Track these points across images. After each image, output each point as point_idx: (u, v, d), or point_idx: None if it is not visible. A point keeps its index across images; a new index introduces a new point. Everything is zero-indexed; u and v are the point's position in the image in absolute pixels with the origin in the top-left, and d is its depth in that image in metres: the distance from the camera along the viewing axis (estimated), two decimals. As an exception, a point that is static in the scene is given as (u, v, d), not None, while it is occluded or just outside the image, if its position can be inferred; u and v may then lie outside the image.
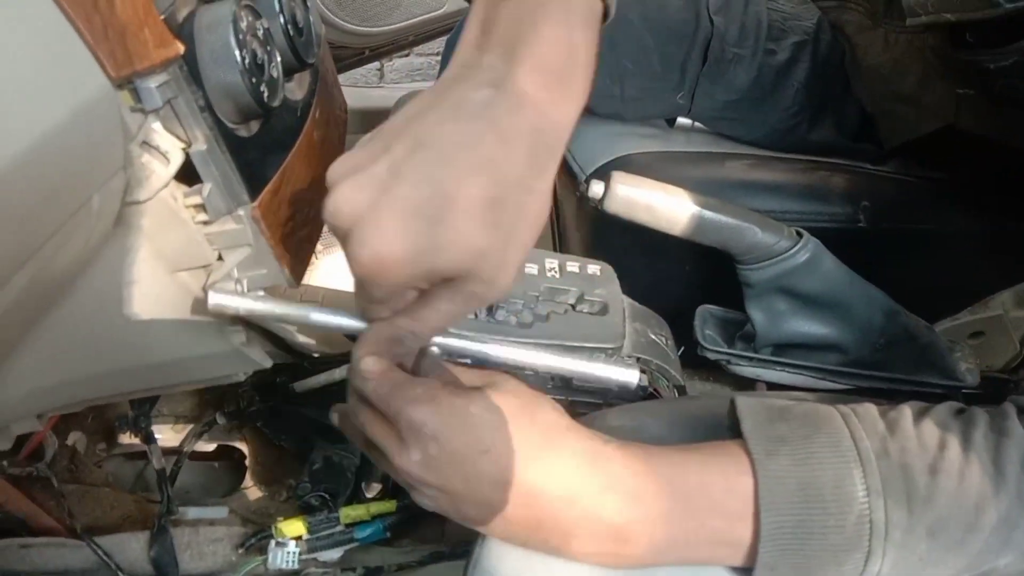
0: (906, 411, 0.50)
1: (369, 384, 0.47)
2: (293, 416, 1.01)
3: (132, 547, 0.89)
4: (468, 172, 0.41)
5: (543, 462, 0.46)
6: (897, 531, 0.45)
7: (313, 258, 1.67)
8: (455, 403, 0.46)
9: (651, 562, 0.48)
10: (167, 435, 1.06)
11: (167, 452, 0.97)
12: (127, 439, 1.04)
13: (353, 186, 0.42)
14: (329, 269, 1.56)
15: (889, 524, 0.45)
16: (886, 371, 0.79)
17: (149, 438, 0.94)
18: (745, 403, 0.51)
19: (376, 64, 2.09)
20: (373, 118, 1.59)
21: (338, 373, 0.95)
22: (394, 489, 0.92)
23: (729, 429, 0.51)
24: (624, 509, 0.47)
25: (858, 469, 0.46)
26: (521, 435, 0.46)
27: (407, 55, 2.11)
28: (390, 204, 0.41)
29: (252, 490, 1.05)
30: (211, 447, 1.11)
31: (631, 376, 0.53)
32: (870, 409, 0.50)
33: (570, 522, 0.47)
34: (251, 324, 0.98)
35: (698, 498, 0.47)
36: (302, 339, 1.01)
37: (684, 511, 0.47)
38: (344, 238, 0.42)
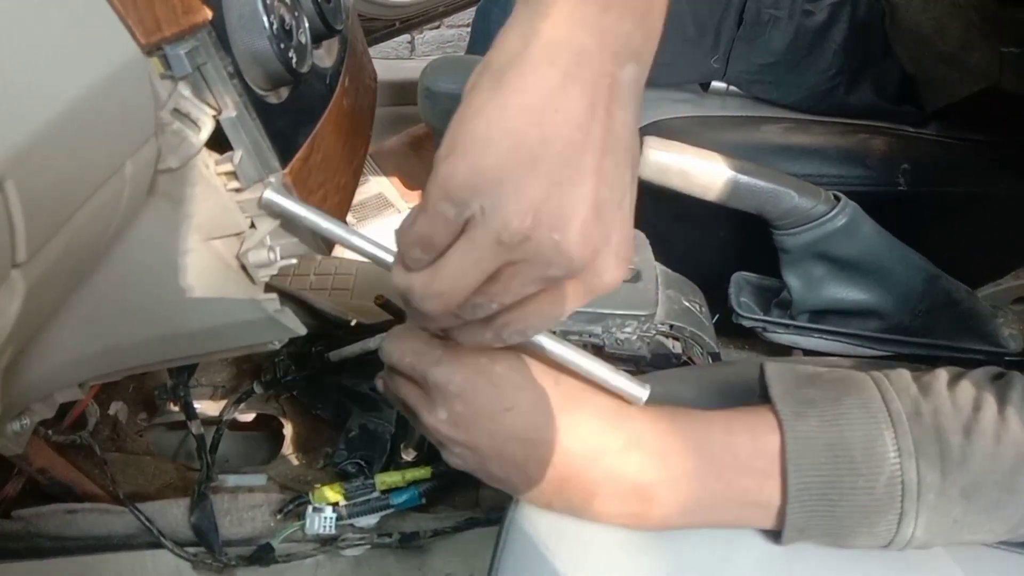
0: (941, 374, 0.49)
1: (394, 355, 0.47)
2: (329, 385, 1.03)
3: (173, 513, 0.91)
4: (635, 164, 0.38)
5: (566, 420, 0.47)
6: (930, 493, 0.44)
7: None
8: (479, 362, 0.46)
9: (677, 524, 0.48)
10: (206, 405, 1.08)
11: (206, 422, 0.99)
12: (167, 409, 1.07)
13: (592, 221, 0.35)
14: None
15: (922, 485, 0.44)
16: (926, 337, 0.77)
17: (188, 407, 0.96)
18: (774, 368, 0.51)
19: (407, 36, 2.08)
20: (404, 90, 1.58)
21: (372, 343, 0.96)
22: (429, 455, 0.93)
23: (759, 395, 0.51)
24: (648, 467, 0.47)
25: (889, 430, 0.45)
26: (545, 395, 0.47)
27: (438, 27, 2.10)
28: (619, 223, 0.36)
29: (290, 458, 1.07)
30: (249, 416, 1.13)
31: (640, 392, 0.49)
32: (903, 373, 0.49)
33: (593, 481, 0.47)
34: (285, 293, 1.00)
35: (724, 457, 0.47)
36: (336, 309, 1.02)
37: (710, 470, 0.47)
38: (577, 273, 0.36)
